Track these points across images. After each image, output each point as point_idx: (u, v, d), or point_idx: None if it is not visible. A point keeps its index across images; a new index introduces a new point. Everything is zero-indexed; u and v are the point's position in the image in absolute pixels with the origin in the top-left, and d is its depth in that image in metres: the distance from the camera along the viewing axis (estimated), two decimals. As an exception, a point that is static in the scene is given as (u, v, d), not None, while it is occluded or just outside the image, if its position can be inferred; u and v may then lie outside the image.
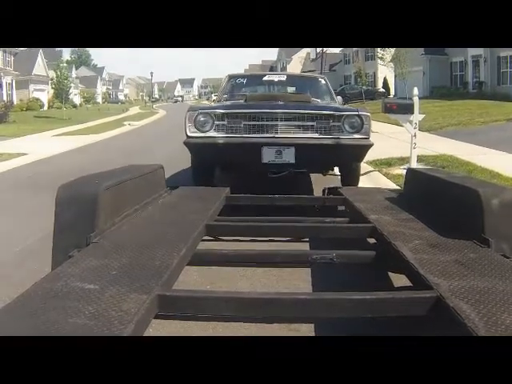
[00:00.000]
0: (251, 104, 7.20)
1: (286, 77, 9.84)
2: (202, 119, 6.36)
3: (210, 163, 6.90)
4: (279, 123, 6.32)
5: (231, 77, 9.45)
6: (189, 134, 6.42)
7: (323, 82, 9.41)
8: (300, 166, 6.52)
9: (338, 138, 6.34)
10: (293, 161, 6.31)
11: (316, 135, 6.38)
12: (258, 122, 6.32)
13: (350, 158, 6.71)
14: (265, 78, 9.51)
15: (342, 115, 6.40)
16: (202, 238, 3.95)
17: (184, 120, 6.47)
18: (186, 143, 6.43)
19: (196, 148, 6.49)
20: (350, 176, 7.30)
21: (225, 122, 6.32)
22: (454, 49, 42.13)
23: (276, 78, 9.56)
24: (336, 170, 8.48)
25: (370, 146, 6.50)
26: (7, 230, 6.47)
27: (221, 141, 6.29)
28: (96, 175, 4.16)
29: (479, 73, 40.21)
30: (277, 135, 6.32)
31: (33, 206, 7.75)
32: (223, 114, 6.38)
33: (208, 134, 6.36)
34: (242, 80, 9.45)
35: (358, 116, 6.39)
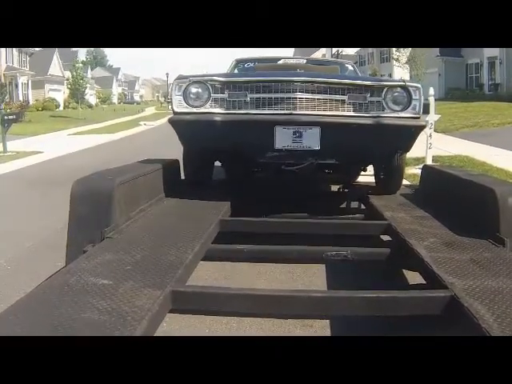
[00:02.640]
0: (260, 72, 6.00)
1: (305, 61, 7.95)
2: (194, 90, 4.73)
3: (202, 149, 5.14)
4: (298, 95, 4.59)
5: (239, 61, 7.84)
6: (176, 109, 4.75)
7: (351, 68, 7.87)
8: (326, 154, 4.94)
9: (379, 116, 4.60)
10: (317, 147, 4.61)
11: (348, 113, 4.67)
12: (269, 95, 4.64)
13: (393, 144, 4.93)
14: (280, 62, 7.72)
15: (383, 87, 4.70)
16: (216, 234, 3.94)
17: (170, 91, 4.93)
18: (171, 122, 4.76)
19: (185, 128, 4.78)
20: (391, 174, 5.49)
21: (225, 95, 4.68)
22: (469, 50, 41.92)
23: (294, 63, 7.76)
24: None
25: (421, 127, 4.83)
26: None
27: (218, 118, 4.58)
28: (111, 170, 4.18)
29: (495, 74, 39.93)
30: (295, 111, 4.59)
31: (46, 201, 7.82)
32: (223, 83, 4.68)
33: (202, 110, 4.68)
34: (251, 65, 7.57)
35: (404, 88, 4.71)
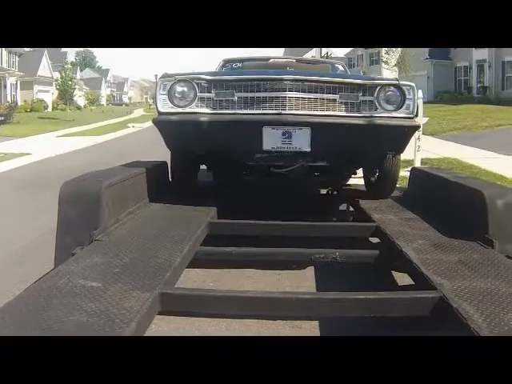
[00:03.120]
0: (249, 70, 5.78)
1: (295, 61, 7.55)
2: (179, 89, 4.52)
3: (188, 151, 4.87)
4: (288, 94, 4.40)
5: (227, 61, 7.52)
6: (161, 109, 4.53)
7: (341, 68, 7.62)
8: (317, 156, 4.75)
9: (371, 116, 4.42)
10: (307, 148, 4.43)
11: (340, 113, 4.47)
12: (257, 94, 4.44)
13: (386, 145, 4.70)
14: (269, 62, 7.33)
15: (376, 85, 4.51)
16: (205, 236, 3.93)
17: (155, 90, 4.68)
18: (155, 122, 4.55)
19: (170, 129, 4.58)
20: (384, 178, 5.17)
21: (211, 94, 4.47)
22: (458, 53, 42.15)
23: (283, 61, 7.39)
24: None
25: (415, 128, 4.67)
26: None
27: (204, 119, 4.39)
28: (99, 172, 4.16)
29: (483, 78, 40.13)
30: (284, 111, 4.39)
31: (33, 204, 7.80)
32: (210, 81, 4.47)
33: (187, 110, 4.48)
34: (240, 65, 7.25)
35: (398, 87, 4.51)
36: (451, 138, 17.04)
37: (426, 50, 42.95)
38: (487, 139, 15.77)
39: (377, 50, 51.68)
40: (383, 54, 45.41)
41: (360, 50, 57.71)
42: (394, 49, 41.69)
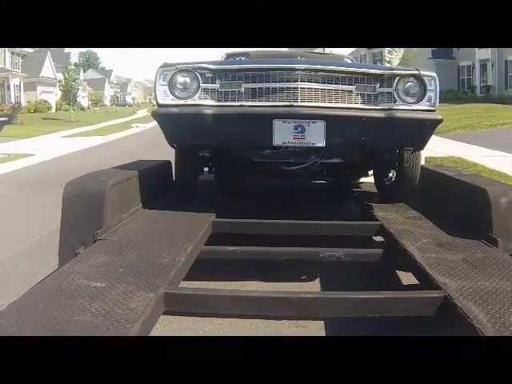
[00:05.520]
0: (256, 59, 5.44)
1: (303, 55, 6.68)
2: (181, 79, 4.16)
3: (190, 146, 4.55)
4: (300, 85, 4.04)
5: (230, 55, 6.90)
6: (161, 101, 4.18)
7: (350, 62, 7.03)
8: (332, 152, 4.48)
9: (390, 109, 4.08)
10: (321, 143, 4.05)
11: (356, 105, 4.14)
12: (266, 84, 4.08)
13: (405, 140, 4.36)
14: (278, 52, 6.98)
15: (395, 75, 4.16)
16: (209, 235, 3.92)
17: (154, 80, 4.27)
18: (155, 115, 4.21)
19: (170, 122, 4.23)
20: (401, 178, 4.78)
21: (216, 85, 4.13)
22: (461, 53, 42.10)
23: (293, 51, 7.20)
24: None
25: (438, 122, 4.24)
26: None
27: (209, 111, 4.03)
28: (103, 172, 4.16)
29: (487, 77, 40.12)
30: (296, 103, 4.04)
31: (34, 206, 7.80)
32: (214, 71, 4.12)
33: (190, 102, 4.13)
34: (243, 59, 6.50)
35: (418, 77, 4.18)
36: (455, 137, 17.02)
37: (429, 49, 42.90)
38: (491, 138, 15.74)
39: (380, 50, 51.62)
40: (386, 54, 45.39)
41: (363, 50, 57.62)
42: (397, 49, 41.67)
